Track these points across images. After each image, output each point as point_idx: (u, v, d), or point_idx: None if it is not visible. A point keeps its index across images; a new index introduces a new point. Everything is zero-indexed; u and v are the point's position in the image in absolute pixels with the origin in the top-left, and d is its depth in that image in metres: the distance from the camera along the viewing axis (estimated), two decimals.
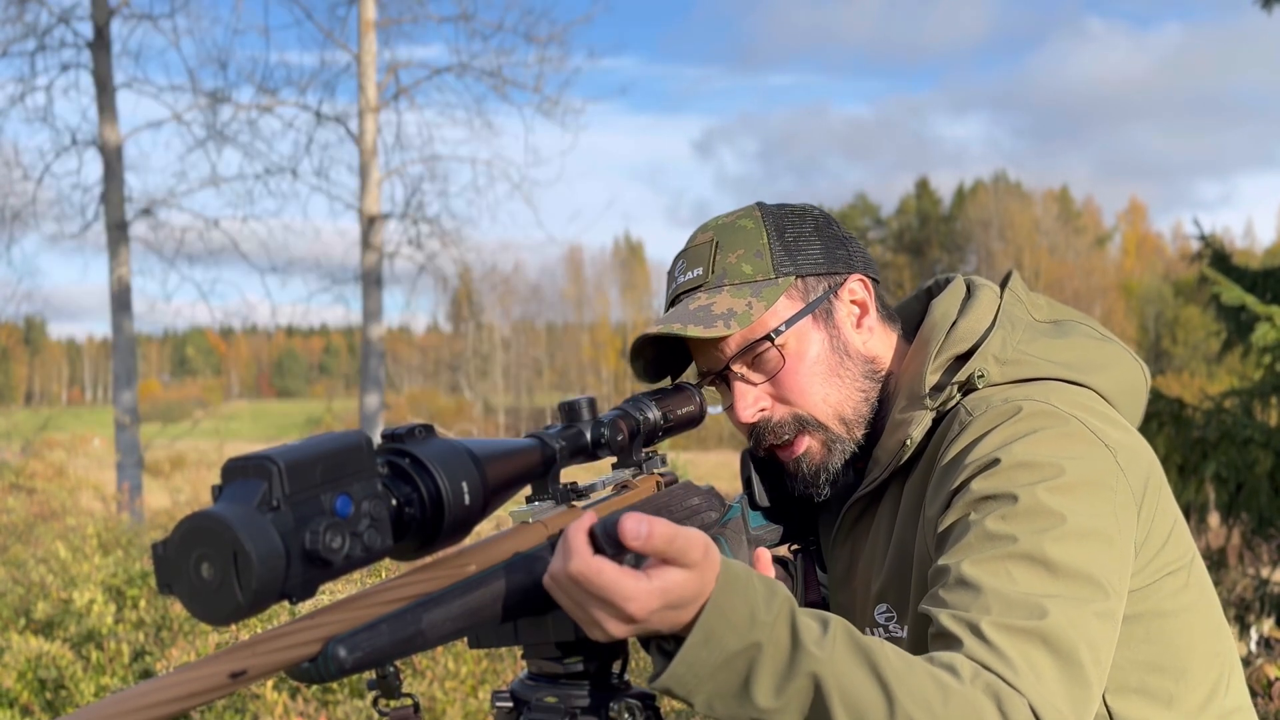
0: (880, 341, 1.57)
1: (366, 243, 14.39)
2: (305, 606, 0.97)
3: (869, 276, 1.57)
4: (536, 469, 1.17)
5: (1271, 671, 3.60)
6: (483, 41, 14.83)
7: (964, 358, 1.49)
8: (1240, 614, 5.39)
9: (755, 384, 1.52)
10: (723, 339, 1.50)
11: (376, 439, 0.99)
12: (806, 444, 1.52)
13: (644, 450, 1.37)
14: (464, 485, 1.00)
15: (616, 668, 1.20)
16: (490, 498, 1.04)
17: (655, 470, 1.38)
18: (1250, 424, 5.83)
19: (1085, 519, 1.28)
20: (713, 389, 1.58)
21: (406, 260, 14.92)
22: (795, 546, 1.66)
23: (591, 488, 1.28)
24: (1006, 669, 1.17)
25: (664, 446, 1.43)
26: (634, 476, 1.35)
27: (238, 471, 0.87)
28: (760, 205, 1.57)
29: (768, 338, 1.49)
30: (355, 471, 0.92)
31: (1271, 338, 5.81)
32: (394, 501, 0.96)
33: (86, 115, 14.13)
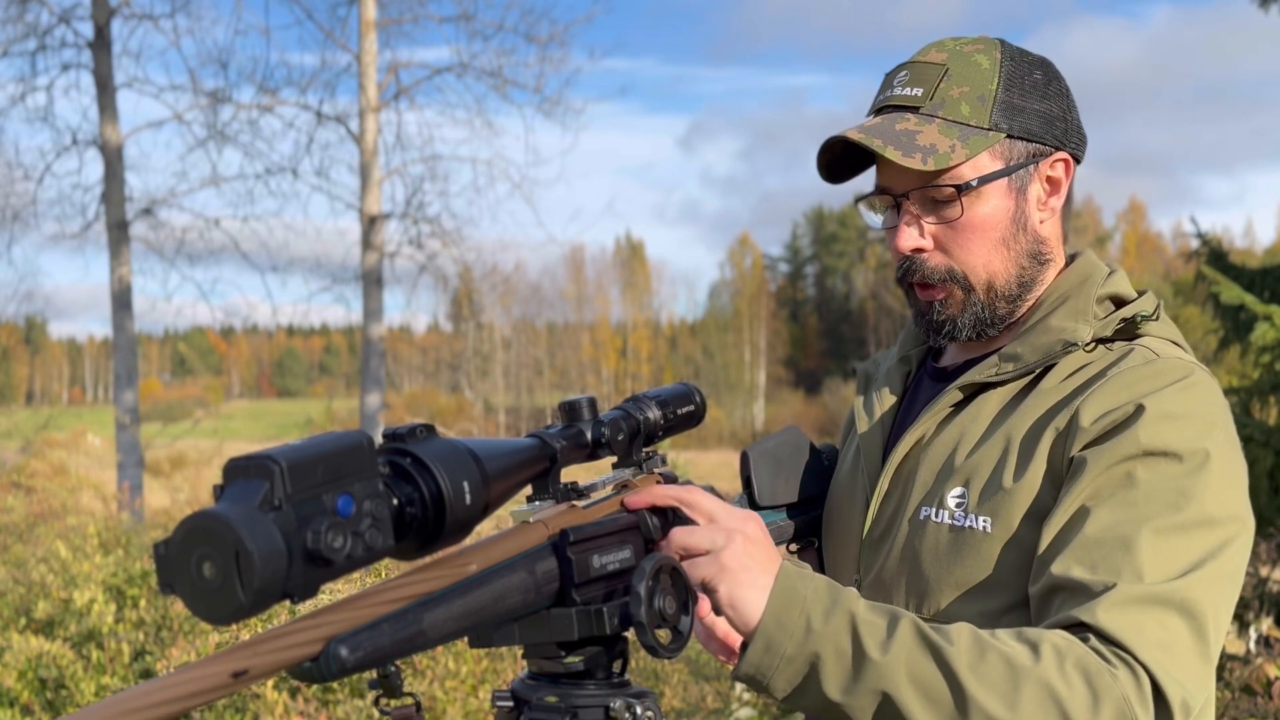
0: (1053, 229, 1.56)
1: (367, 242, 14.39)
2: (306, 606, 0.97)
3: (1074, 157, 1.56)
4: (537, 468, 1.17)
5: (1271, 671, 3.60)
6: (483, 41, 14.80)
7: (1116, 302, 1.52)
8: (1239, 612, 5.39)
9: (925, 222, 1.51)
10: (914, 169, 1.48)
11: (377, 438, 0.99)
12: (948, 293, 1.53)
13: (644, 450, 1.38)
14: (465, 485, 1.00)
15: (617, 667, 1.20)
16: (491, 497, 1.04)
17: (655, 470, 1.38)
18: (1249, 423, 5.83)
19: (1237, 486, 1.37)
20: (878, 202, 1.57)
21: (407, 260, 14.92)
22: (795, 548, 1.66)
23: (592, 487, 1.28)
24: (1136, 639, 1.22)
25: (664, 446, 1.42)
26: (634, 476, 1.35)
27: (239, 471, 0.88)
28: (1002, 46, 1.54)
29: (957, 187, 1.48)
30: (357, 471, 0.92)
31: (1271, 337, 5.82)
32: (395, 501, 0.96)
33: (87, 115, 14.09)
